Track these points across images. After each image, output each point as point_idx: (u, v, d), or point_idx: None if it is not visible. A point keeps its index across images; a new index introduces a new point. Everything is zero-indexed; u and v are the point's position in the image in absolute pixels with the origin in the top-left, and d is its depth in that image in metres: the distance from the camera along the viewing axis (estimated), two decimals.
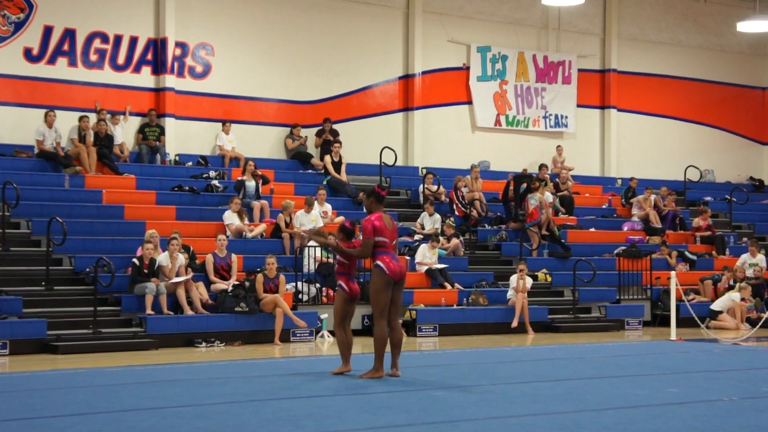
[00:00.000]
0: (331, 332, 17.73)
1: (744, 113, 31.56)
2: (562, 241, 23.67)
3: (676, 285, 19.13)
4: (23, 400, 10.49)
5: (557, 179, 26.45)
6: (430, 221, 22.56)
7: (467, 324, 20.02)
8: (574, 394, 10.65)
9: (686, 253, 24.60)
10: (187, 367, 14.14)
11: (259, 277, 18.08)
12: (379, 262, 11.59)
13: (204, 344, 17.20)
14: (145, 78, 22.92)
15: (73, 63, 22.11)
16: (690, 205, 28.18)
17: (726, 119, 31.24)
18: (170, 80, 22.97)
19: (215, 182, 21.94)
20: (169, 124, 22.92)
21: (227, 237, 19.30)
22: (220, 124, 23.48)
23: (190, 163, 22.87)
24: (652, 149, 29.26)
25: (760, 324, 20.15)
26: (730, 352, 16.51)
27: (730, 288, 22.51)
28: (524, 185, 23.82)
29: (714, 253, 25.24)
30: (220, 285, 18.21)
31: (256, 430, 8.57)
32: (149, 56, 22.92)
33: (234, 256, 18.73)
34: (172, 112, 23.00)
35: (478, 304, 20.51)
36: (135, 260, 17.64)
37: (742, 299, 22.18)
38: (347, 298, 12.18)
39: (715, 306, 21.98)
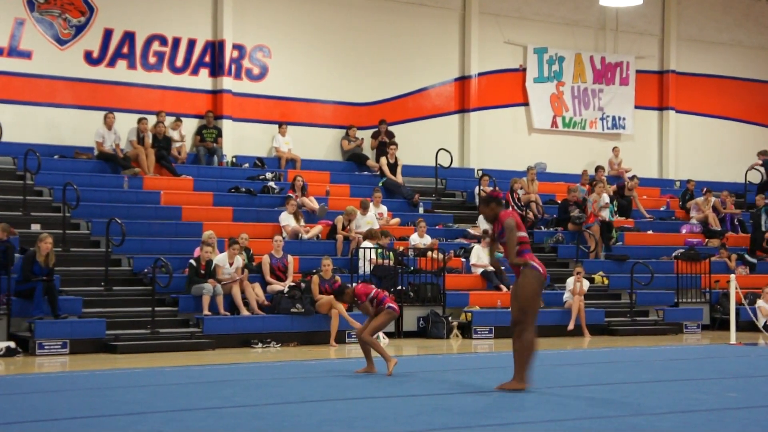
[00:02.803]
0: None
1: None
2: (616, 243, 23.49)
3: (736, 288, 18.88)
4: (83, 398, 10.61)
5: (623, 182, 26.13)
6: (485, 223, 22.47)
7: None
8: (631, 398, 10.54)
9: (746, 256, 24.27)
10: (244, 367, 14.22)
11: (315, 278, 18.14)
12: (533, 263, 10.94)
13: (260, 345, 17.28)
14: (203, 80, 23.12)
15: (132, 65, 22.36)
16: (750, 208, 27.78)
17: None
18: (227, 82, 23.14)
19: (271, 184, 22.05)
20: (226, 125, 23.09)
21: (283, 238, 19.38)
22: (277, 126, 23.60)
23: (247, 165, 23.01)
24: (711, 151, 28.94)
25: None
26: None
27: None
28: None
29: None
30: (276, 286, 18.30)
31: (311, 431, 8.59)
32: (207, 58, 23.11)
33: (290, 257, 18.81)
34: (229, 114, 23.17)
35: None
36: (192, 261, 17.78)
37: None
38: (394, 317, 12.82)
39: None
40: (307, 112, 24.36)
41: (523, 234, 10.96)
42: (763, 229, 24.51)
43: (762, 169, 27.60)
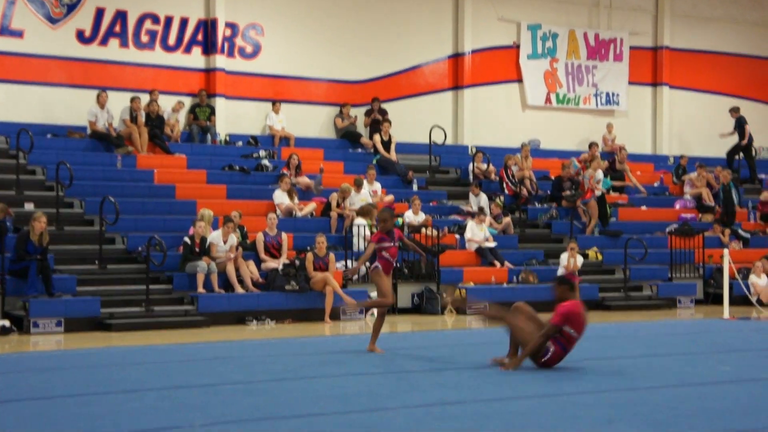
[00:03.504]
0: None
1: None
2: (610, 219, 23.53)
3: (729, 263, 18.93)
4: (77, 376, 10.63)
5: (614, 158, 26.15)
6: (476, 201, 22.48)
7: (517, 302, 19.90)
8: (625, 373, 10.58)
9: (739, 231, 24.32)
10: (238, 344, 14.25)
11: (309, 255, 18.17)
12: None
13: (255, 322, 17.32)
14: (196, 59, 23.06)
15: (124, 44, 22.29)
16: (743, 183, 27.82)
17: None
18: (220, 60, 23.08)
19: (265, 161, 22.04)
20: (220, 104, 23.04)
21: (277, 216, 19.39)
22: (270, 104, 23.56)
23: (241, 143, 22.99)
24: (705, 127, 28.89)
25: None
26: None
27: None
28: None
29: None
30: (270, 263, 18.32)
31: (307, 407, 8.62)
32: (200, 37, 23.05)
33: (284, 235, 18.83)
34: (222, 92, 23.12)
35: (528, 282, 20.46)
36: (186, 239, 17.79)
37: None
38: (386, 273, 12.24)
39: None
40: (301, 90, 24.31)
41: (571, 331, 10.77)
42: (736, 203, 24.49)
43: (735, 130, 27.42)
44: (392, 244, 12.14)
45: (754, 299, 20.77)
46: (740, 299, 20.62)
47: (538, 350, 10.55)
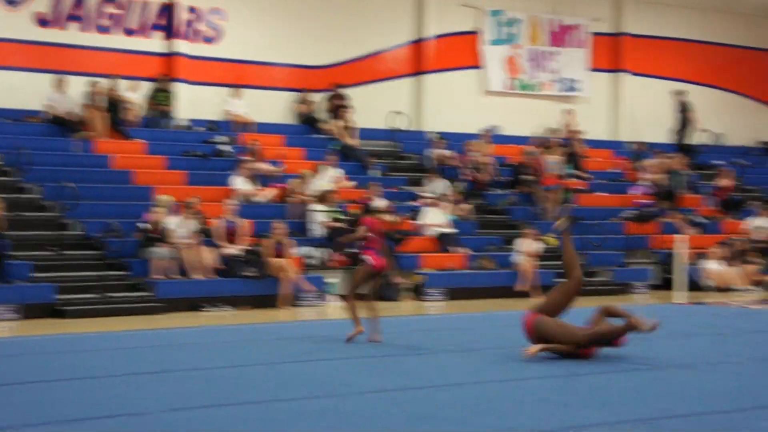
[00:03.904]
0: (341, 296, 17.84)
1: (756, 76, 31.33)
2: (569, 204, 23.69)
3: (685, 248, 19.14)
4: (32, 363, 10.61)
5: (570, 142, 26.32)
6: (435, 188, 22.52)
7: (475, 288, 20.08)
8: (579, 357, 10.69)
9: (695, 216, 24.55)
10: (195, 331, 14.26)
11: (267, 241, 18.17)
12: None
13: (212, 308, 17.30)
14: (157, 43, 22.90)
15: (84, 28, 22.09)
16: (701, 169, 28.08)
17: (738, 82, 31.05)
18: (181, 45, 22.94)
19: (225, 147, 21.97)
20: (180, 89, 22.90)
21: (236, 202, 19.36)
22: (231, 90, 23.46)
23: (201, 128, 22.89)
24: (664, 113, 28.99)
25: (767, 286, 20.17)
26: (737, 315, 16.54)
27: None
28: None
29: (723, 216, 25.21)
30: (228, 249, 18.29)
31: (263, 393, 8.66)
32: (161, 21, 22.89)
33: (243, 221, 18.80)
34: (183, 77, 22.99)
35: (486, 268, 20.58)
36: (144, 225, 17.72)
37: (749, 262, 22.26)
38: (371, 271, 12.28)
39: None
40: (262, 75, 24.22)
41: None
42: (675, 192, 24.64)
43: (679, 115, 27.64)
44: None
45: (707, 284, 21.00)
46: (696, 284, 20.84)
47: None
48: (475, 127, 25.62)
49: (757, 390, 8.80)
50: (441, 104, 26.24)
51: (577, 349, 10.46)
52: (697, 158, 27.37)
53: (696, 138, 28.47)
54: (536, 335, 10.55)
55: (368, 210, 12.45)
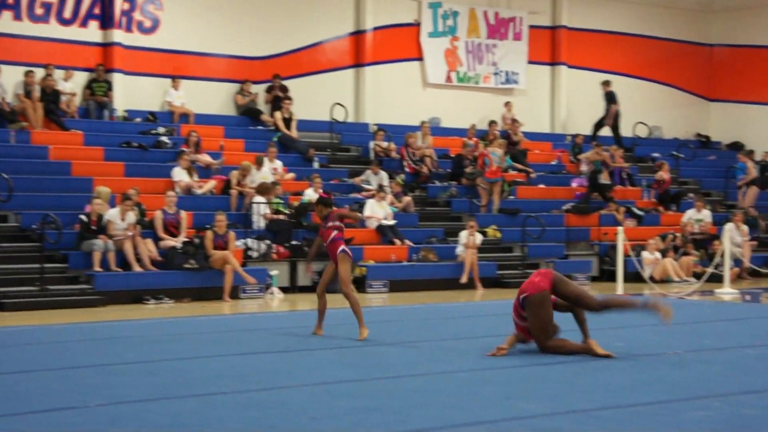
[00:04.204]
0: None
1: (691, 70, 31.79)
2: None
3: (623, 240, 19.34)
4: None
5: (510, 134, 26.46)
6: (375, 179, 22.52)
7: (417, 280, 20.11)
8: (521, 349, 10.74)
9: (633, 209, 24.83)
10: (136, 324, 14.11)
11: (209, 233, 18.04)
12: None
13: (152, 301, 17.14)
14: (93, 32, 22.59)
15: (18, 16, 21.72)
16: (638, 161, 28.42)
17: (674, 76, 31.47)
18: (118, 35, 22.67)
19: (164, 138, 21.77)
20: (117, 79, 22.64)
21: (176, 193, 19.20)
22: (169, 80, 23.24)
23: (139, 119, 22.65)
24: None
25: (704, 278, 20.43)
26: (675, 307, 16.69)
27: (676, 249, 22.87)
28: None
29: (661, 209, 25.54)
30: (169, 242, 18.13)
31: (204, 386, 8.58)
32: (96, 10, 22.58)
33: (183, 213, 18.64)
34: (120, 67, 22.71)
35: (427, 260, 20.62)
36: (83, 217, 17.51)
37: (687, 254, 22.58)
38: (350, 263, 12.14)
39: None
40: (201, 66, 24.02)
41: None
42: (603, 181, 24.86)
43: (606, 104, 27.92)
44: (323, 228, 12.04)
45: (646, 276, 21.25)
46: (634, 276, 21.07)
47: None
48: (416, 119, 25.67)
49: (692, 381, 8.91)
50: (381, 96, 26.24)
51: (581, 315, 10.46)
52: (621, 145, 27.50)
53: (630, 130, 28.77)
54: (556, 289, 10.33)
55: (330, 203, 12.25)
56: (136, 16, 23.07)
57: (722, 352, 10.85)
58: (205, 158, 21.32)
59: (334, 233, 11.92)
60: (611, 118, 27.53)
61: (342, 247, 11.91)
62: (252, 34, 24.59)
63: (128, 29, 22.91)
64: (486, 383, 8.76)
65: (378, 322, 11.95)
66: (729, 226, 22.44)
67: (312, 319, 12.42)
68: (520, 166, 25.31)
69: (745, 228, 23.53)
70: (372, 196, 21.50)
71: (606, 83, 27.82)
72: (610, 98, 27.55)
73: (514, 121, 26.76)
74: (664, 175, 26.04)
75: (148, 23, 23.25)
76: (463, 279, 20.25)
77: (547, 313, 10.38)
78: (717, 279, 20.27)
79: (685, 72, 31.64)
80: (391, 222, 21.05)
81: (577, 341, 10.40)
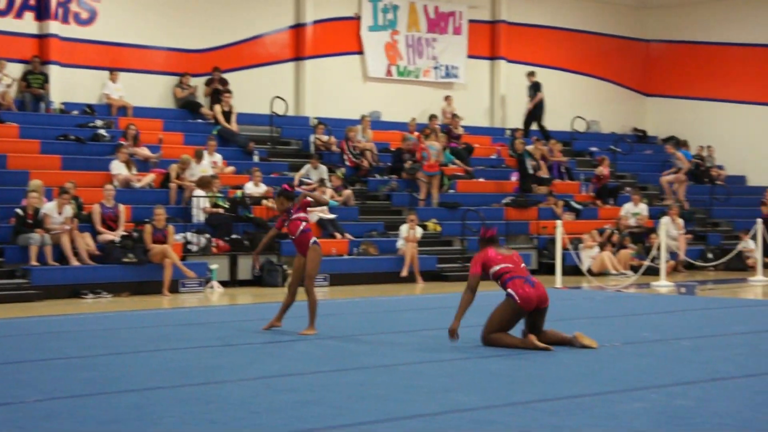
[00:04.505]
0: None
1: (628, 65, 32.17)
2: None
3: (562, 234, 19.53)
4: None
5: (450, 128, 26.57)
6: (315, 174, 22.49)
7: (357, 274, 20.13)
8: (461, 342, 10.81)
9: (572, 202, 25.07)
10: (74, 318, 13.96)
11: (148, 227, 17.91)
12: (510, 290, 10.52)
13: (91, 295, 16.98)
14: (28, 24, 22.30)
15: None
16: (576, 156, 28.69)
17: (611, 71, 31.82)
18: (54, 26, 22.39)
19: (102, 131, 21.56)
20: (54, 71, 22.37)
21: (114, 187, 19.03)
22: (107, 73, 23.01)
23: (76, 112, 22.41)
24: (545, 102, 29.57)
25: (641, 271, 20.69)
26: (613, 299, 16.95)
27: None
28: None
29: (600, 202, 25.81)
30: (107, 235, 17.97)
31: (142, 380, 8.53)
32: (32, 1, 22.30)
33: (122, 207, 18.49)
34: (56, 59, 22.45)
35: (368, 254, 20.65)
36: (19, 210, 17.29)
37: (624, 247, 22.85)
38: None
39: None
40: (139, 58, 23.82)
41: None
42: (531, 172, 25.05)
43: (530, 93, 28.19)
44: (289, 220, 11.69)
45: (584, 269, 21.47)
46: (572, 269, 21.28)
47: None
48: (356, 113, 25.70)
49: (629, 373, 9.02)
50: (321, 90, 26.21)
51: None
52: (548, 137, 27.71)
53: (568, 124, 29.05)
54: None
55: (293, 196, 12.01)
56: (73, 7, 22.81)
57: (658, 343, 11.00)
58: (144, 151, 21.16)
59: (303, 225, 11.69)
60: (534, 104, 27.71)
61: (314, 238, 11.79)
62: (191, 27, 24.43)
63: (65, 21, 22.65)
64: (425, 376, 8.80)
65: (319, 316, 11.92)
66: (665, 220, 22.77)
67: (252, 312, 12.40)
68: (459, 163, 25.42)
69: (681, 221, 23.87)
70: (313, 190, 21.45)
71: (531, 74, 28.05)
72: (536, 88, 27.77)
73: (454, 115, 26.90)
74: (603, 170, 26.32)
75: (85, 15, 23.00)
76: (404, 272, 20.32)
77: (505, 315, 10.48)
78: (653, 272, 20.54)
79: (622, 67, 32.01)
80: (331, 216, 21.04)
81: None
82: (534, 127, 27.99)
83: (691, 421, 6.99)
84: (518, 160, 24.99)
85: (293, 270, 12.01)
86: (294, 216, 11.67)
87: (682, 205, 25.57)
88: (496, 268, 10.60)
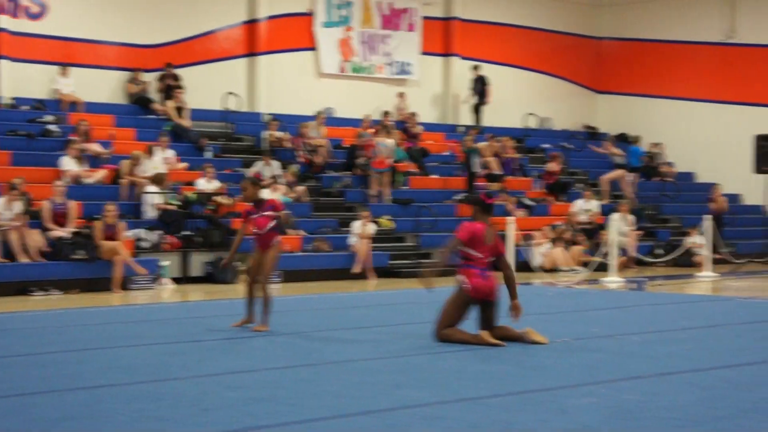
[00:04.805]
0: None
1: (580, 62, 32.40)
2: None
3: (514, 231, 19.64)
4: None
5: (404, 125, 26.61)
6: (268, 170, 22.44)
7: (311, 270, 20.12)
8: (413, 338, 10.86)
9: (524, 199, 25.21)
10: (23, 315, 13.84)
11: (98, 223, 17.77)
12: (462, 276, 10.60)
13: (40, 292, 16.83)
14: None
15: None
16: (529, 152, 28.85)
17: (564, 68, 32.03)
18: (4, 20, 22.15)
19: (52, 127, 21.36)
20: (3, 66, 22.13)
21: (65, 183, 18.87)
22: (58, 68, 22.79)
23: (27, 107, 22.18)
24: (493, 97, 29.70)
25: (592, 267, 20.86)
26: (564, 295, 17.08)
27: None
28: None
29: (552, 199, 25.99)
30: (57, 232, 17.81)
31: (93, 378, 8.47)
32: None
33: (72, 203, 18.33)
34: (6, 53, 22.20)
35: (321, 251, 20.64)
36: None
37: (576, 243, 23.03)
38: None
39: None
40: (90, 53, 23.62)
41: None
42: (474, 170, 25.15)
43: (474, 86, 28.34)
44: (258, 214, 11.63)
45: (536, 265, 21.61)
46: (524, 265, 21.40)
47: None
48: (310, 110, 25.67)
49: (579, 368, 9.09)
50: (275, 86, 26.15)
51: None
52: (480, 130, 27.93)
53: (521, 121, 29.21)
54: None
55: (259, 183, 11.94)
56: (23, 1, 22.58)
57: (608, 339, 11.10)
58: (95, 147, 20.99)
59: (273, 223, 11.65)
60: (489, 97, 27.89)
61: (278, 237, 11.78)
62: (144, 22, 24.26)
63: (15, 15, 22.41)
64: (377, 372, 8.83)
65: (271, 313, 11.90)
66: (615, 216, 22.94)
67: (204, 309, 12.35)
68: (412, 156, 25.47)
69: (631, 218, 24.10)
70: (266, 187, 21.40)
71: (476, 68, 28.20)
72: (482, 82, 27.92)
73: (413, 114, 26.89)
74: (554, 166, 26.50)
75: (35, 9, 22.77)
76: (356, 269, 20.33)
77: (455, 306, 10.55)
78: (604, 268, 20.72)
79: (575, 64, 32.24)
80: (285, 212, 20.99)
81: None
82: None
83: (640, 416, 7.07)
84: (465, 156, 25.10)
85: (251, 266, 11.94)
86: (265, 212, 11.64)
87: (632, 202, 25.81)
88: (470, 251, 10.56)
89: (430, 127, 28.18)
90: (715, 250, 22.61)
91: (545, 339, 10.50)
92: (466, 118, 29.18)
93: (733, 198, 28.39)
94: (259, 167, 22.46)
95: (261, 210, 11.66)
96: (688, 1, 30.99)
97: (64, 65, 22.78)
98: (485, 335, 10.36)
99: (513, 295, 10.65)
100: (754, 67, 29.75)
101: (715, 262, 22.49)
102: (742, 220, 27.77)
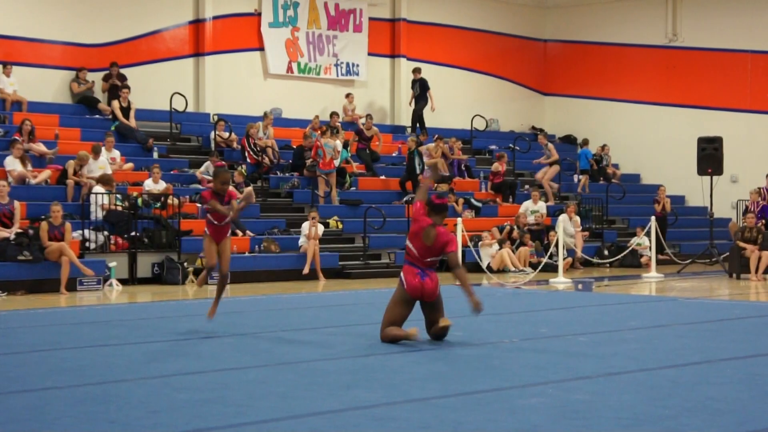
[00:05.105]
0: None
1: (526, 64, 32.62)
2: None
3: (462, 231, 19.70)
4: None
5: (358, 128, 26.56)
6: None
7: (259, 271, 20.06)
8: (363, 339, 10.85)
9: (472, 200, 25.32)
10: None
11: (44, 224, 17.58)
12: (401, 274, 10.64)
13: None
14: None
15: None
16: (476, 154, 28.98)
17: (510, 70, 32.22)
18: None
19: None
20: None
21: (9, 183, 18.64)
22: (1, 66, 22.51)
23: None
24: (440, 98, 29.80)
25: (539, 268, 21.01)
26: (512, 296, 17.18)
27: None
28: None
29: (499, 200, 26.13)
30: (1, 233, 17.60)
31: (39, 380, 8.38)
32: None
33: (17, 203, 18.12)
34: None
35: (270, 252, 20.59)
36: None
37: (524, 244, 23.17)
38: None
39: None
40: (34, 52, 23.35)
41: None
42: (418, 171, 25.23)
43: (416, 88, 28.46)
44: (222, 210, 11.47)
45: (484, 266, 21.72)
46: (472, 266, 21.48)
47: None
48: (257, 110, 25.59)
49: (527, 369, 9.14)
50: (222, 86, 26.04)
51: None
52: (426, 132, 27.99)
53: (468, 122, 29.34)
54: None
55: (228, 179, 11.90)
56: None
57: (556, 339, 11.18)
58: (40, 147, 20.78)
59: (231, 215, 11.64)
60: (431, 101, 27.99)
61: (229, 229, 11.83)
62: (88, 21, 24.05)
63: None
64: (326, 373, 8.82)
65: (219, 313, 11.85)
66: (562, 217, 23.12)
67: (152, 310, 12.26)
68: (360, 157, 25.48)
69: (578, 219, 24.30)
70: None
71: (416, 71, 28.29)
72: (424, 85, 28.02)
73: (369, 116, 26.82)
74: (499, 166, 26.64)
75: None
76: (306, 270, 20.30)
77: (395, 302, 10.58)
78: (552, 269, 20.87)
79: (521, 66, 32.45)
80: None
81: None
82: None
83: (587, 415, 7.13)
84: (407, 158, 25.15)
85: (210, 253, 11.70)
86: (229, 204, 11.60)
87: (579, 203, 26.03)
88: (410, 245, 10.65)
89: (378, 128, 28.14)
90: (659, 250, 22.86)
91: (448, 321, 10.60)
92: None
93: (677, 199, 28.73)
94: (206, 167, 22.36)
95: (224, 202, 11.63)
96: (632, 5, 31.32)
97: (6, 64, 22.51)
98: (414, 332, 10.43)
99: (467, 293, 10.67)
100: (696, 70, 30.15)
101: (660, 262, 22.73)
102: (687, 221, 28.13)
